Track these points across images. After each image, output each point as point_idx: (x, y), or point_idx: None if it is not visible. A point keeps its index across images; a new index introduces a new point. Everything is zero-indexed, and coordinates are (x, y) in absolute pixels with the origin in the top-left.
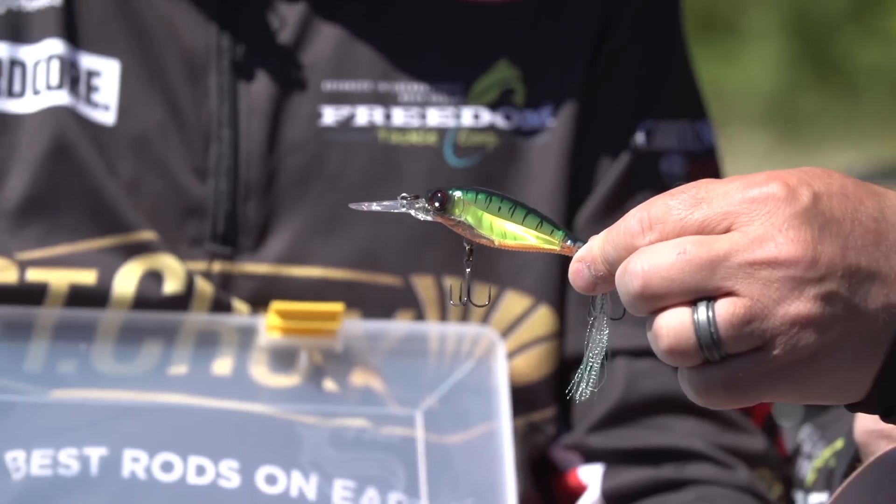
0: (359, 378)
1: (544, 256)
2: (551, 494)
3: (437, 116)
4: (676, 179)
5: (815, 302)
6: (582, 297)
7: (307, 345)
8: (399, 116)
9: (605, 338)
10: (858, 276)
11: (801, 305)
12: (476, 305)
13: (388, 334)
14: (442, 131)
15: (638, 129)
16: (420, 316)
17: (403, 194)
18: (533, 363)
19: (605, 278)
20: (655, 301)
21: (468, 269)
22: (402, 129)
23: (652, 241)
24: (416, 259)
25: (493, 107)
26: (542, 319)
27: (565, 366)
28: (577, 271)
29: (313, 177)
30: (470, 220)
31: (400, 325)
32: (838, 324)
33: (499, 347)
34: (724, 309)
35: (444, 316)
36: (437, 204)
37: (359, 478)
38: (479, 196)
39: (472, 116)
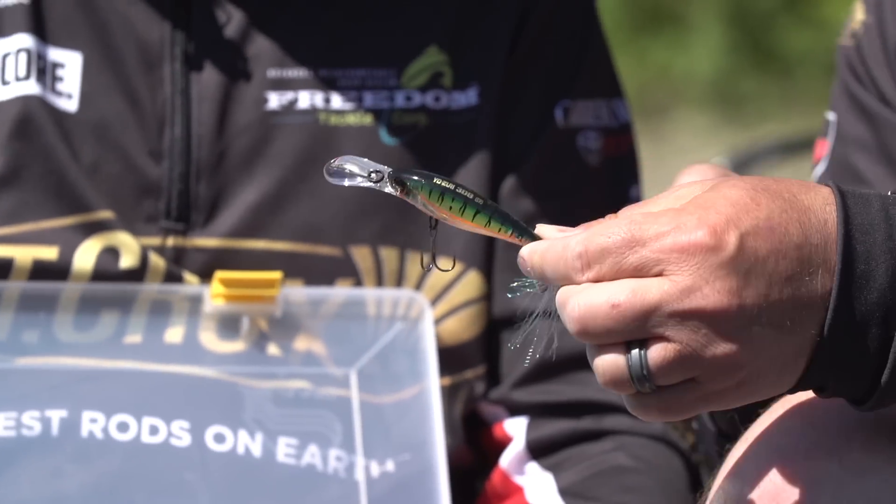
0: (300, 342)
1: (471, 238)
2: (480, 446)
3: (373, 99)
4: (591, 153)
5: (741, 343)
6: (508, 262)
7: (249, 311)
8: (338, 100)
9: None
10: (782, 308)
11: (727, 347)
12: (442, 270)
13: (327, 300)
14: (377, 113)
15: (556, 107)
16: (358, 284)
17: (372, 170)
18: (464, 324)
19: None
20: (592, 340)
21: (433, 238)
22: (341, 112)
23: (589, 279)
24: (353, 231)
25: (424, 89)
26: (471, 283)
27: (493, 326)
28: (522, 265)
29: (259, 157)
30: (428, 206)
31: (337, 292)
32: (763, 353)
33: (427, 312)
34: (656, 353)
35: (380, 283)
36: (397, 187)
37: (300, 435)
38: (433, 192)
39: (404, 98)
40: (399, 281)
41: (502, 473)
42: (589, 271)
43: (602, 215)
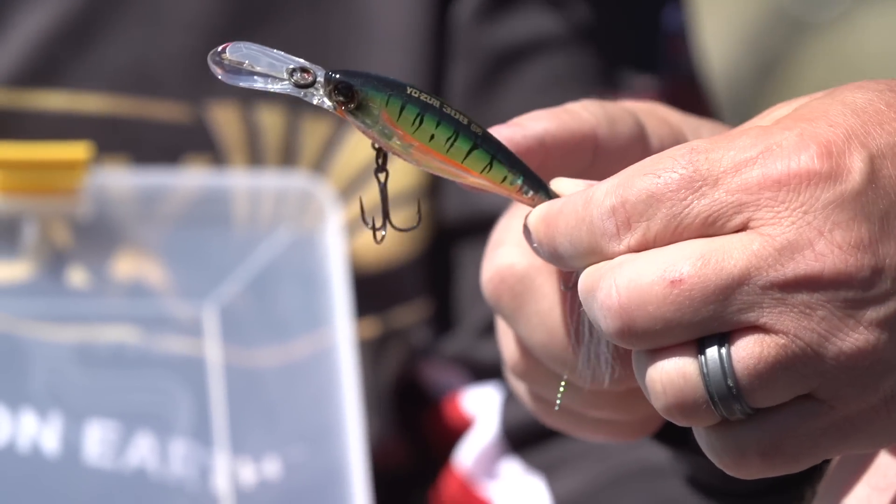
0: (122, 263)
1: (399, 76)
2: (422, 435)
3: None
4: None
5: (881, 329)
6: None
7: (37, 211)
8: None
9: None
10: None
11: (860, 338)
12: (400, 230)
13: (167, 192)
14: None
15: None
16: (219, 163)
17: (294, 66)
18: (395, 234)
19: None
20: (642, 343)
21: (382, 186)
22: None
23: (631, 248)
24: (211, 77)
25: None
26: (403, 165)
27: (444, 237)
28: (527, 241)
29: None
30: (389, 132)
31: (185, 178)
32: None
33: (333, 211)
34: (746, 351)
35: (255, 162)
36: (340, 98)
37: (123, 417)
38: (406, 109)
39: None
40: (287, 159)
41: (459, 479)
42: (629, 234)
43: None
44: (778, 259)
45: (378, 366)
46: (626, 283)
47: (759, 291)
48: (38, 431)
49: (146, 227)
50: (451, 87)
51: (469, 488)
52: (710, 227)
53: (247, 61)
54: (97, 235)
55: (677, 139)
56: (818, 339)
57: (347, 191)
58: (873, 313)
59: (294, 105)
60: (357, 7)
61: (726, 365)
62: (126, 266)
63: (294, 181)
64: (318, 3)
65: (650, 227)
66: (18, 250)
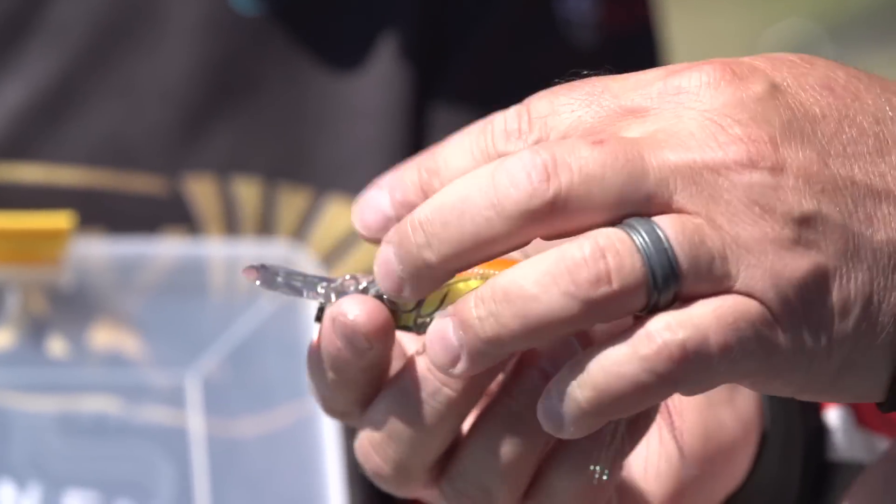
0: (100, 333)
1: (377, 149)
2: None
3: None
4: (581, 27)
5: (792, 225)
6: None
7: (19, 279)
8: None
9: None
10: (852, 194)
11: (769, 227)
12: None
13: (146, 262)
14: None
15: None
16: (195, 233)
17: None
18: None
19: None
20: (563, 218)
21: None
22: None
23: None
24: (187, 149)
25: None
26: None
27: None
28: (369, 205)
29: (31, 31)
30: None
31: (166, 247)
32: (833, 256)
33: None
34: (674, 229)
35: (232, 233)
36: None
37: (103, 486)
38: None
39: None
40: (264, 229)
41: None
42: (530, 134)
43: None
44: (681, 144)
45: None
46: (546, 148)
47: (670, 170)
48: (16, 501)
49: (125, 296)
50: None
51: None
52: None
53: (279, 278)
54: (76, 304)
55: None
56: (728, 221)
57: (329, 259)
58: (781, 206)
59: (271, 176)
60: (334, 82)
61: (664, 239)
62: (105, 336)
63: (273, 249)
64: (296, 77)
65: (551, 125)
66: (1, 319)
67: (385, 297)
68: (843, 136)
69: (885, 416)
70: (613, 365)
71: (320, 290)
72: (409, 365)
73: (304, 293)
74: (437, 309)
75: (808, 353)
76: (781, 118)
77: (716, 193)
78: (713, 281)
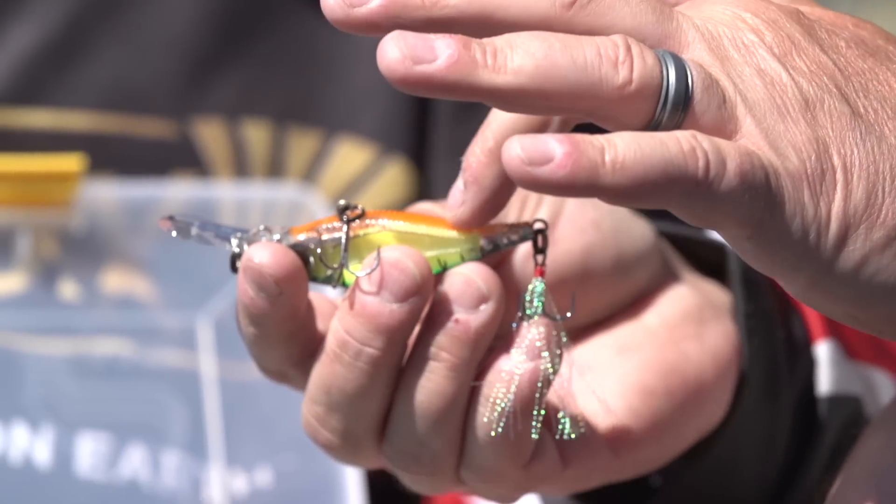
0: (112, 276)
1: (386, 92)
2: None
3: None
4: None
5: (800, 99)
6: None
7: (28, 223)
8: None
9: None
10: (867, 93)
11: (777, 95)
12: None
13: (157, 204)
14: None
15: None
16: (205, 176)
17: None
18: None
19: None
20: (586, 16)
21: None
22: None
23: None
24: (196, 93)
25: None
26: (394, 178)
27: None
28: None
29: None
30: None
31: (175, 190)
32: (835, 131)
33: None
34: (692, 61)
35: (242, 175)
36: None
37: (115, 429)
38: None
39: None
40: (274, 172)
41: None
42: None
43: None
44: (710, 20)
45: None
46: None
47: (693, 25)
48: (29, 444)
49: (136, 239)
50: (437, 117)
51: (461, 497)
52: None
53: (193, 230)
54: (87, 248)
55: None
56: (741, 82)
57: (338, 200)
58: (789, 62)
59: (280, 119)
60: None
61: (686, 65)
62: (116, 279)
63: (284, 191)
64: (304, 20)
65: None
66: (12, 262)
67: (294, 244)
68: (855, 62)
69: (882, 347)
70: (642, 142)
71: (234, 240)
72: (332, 332)
73: (218, 243)
74: (341, 258)
75: (808, 219)
76: (801, 28)
77: (731, 55)
78: (719, 120)
